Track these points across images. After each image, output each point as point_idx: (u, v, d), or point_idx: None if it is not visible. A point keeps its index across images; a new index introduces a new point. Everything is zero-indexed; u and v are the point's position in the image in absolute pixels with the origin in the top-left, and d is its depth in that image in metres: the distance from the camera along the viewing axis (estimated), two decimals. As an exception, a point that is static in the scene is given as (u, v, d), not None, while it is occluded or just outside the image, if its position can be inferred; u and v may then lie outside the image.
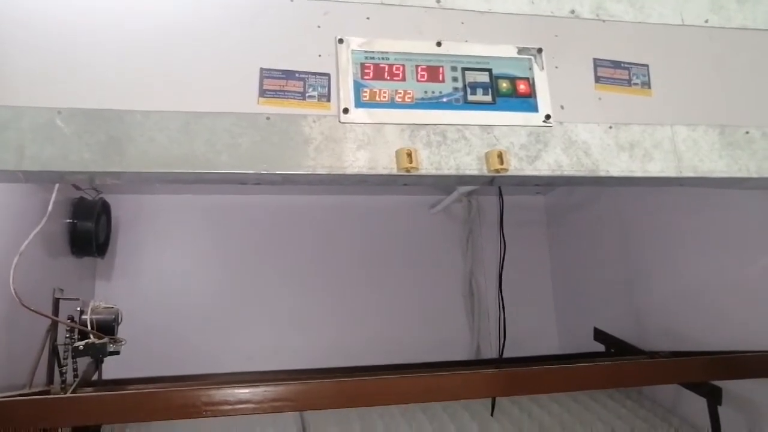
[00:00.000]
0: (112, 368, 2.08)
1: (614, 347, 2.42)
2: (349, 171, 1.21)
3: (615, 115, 1.35)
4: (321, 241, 3.19)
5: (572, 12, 1.41)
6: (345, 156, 1.21)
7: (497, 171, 1.24)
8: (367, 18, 1.31)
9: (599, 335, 2.49)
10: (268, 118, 1.20)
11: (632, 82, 1.38)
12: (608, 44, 1.40)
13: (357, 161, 1.21)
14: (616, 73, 1.38)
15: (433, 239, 3.31)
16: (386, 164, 1.22)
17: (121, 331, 1.94)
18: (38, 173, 1.12)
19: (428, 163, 1.24)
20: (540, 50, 1.35)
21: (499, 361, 2.36)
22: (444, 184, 1.83)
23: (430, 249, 3.28)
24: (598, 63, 1.38)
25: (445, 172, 1.24)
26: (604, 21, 1.42)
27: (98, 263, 3.00)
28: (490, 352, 3.05)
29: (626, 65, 1.39)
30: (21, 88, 1.13)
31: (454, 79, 1.30)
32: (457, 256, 3.31)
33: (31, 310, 1.72)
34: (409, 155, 1.21)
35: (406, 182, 1.28)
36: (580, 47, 1.38)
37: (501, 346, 2.24)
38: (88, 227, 2.70)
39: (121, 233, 3.08)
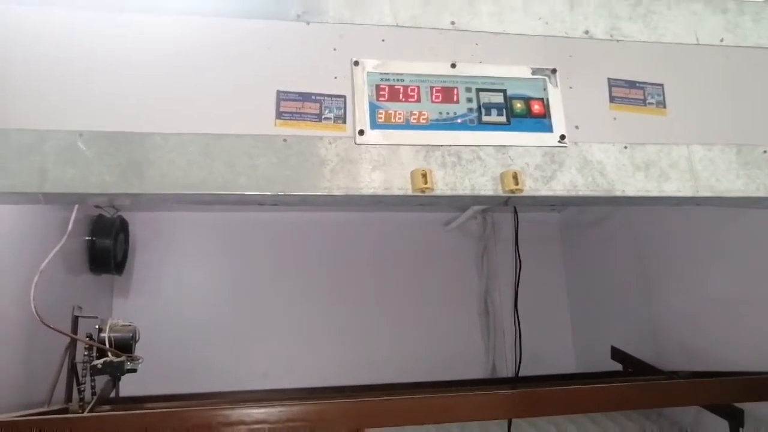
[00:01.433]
0: (129, 385, 2.10)
1: (632, 366, 2.39)
2: (365, 192, 1.22)
3: (630, 134, 1.34)
4: (336, 257, 3.21)
5: (586, 32, 1.41)
6: (360, 177, 1.22)
7: (512, 191, 1.24)
8: (382, 40, 1.33)
9: (617, 354, 2.46)
10: (285, 140, 1.22)
11: (647, 101, 1.38)
12: (622, 64, 1.40)
13: (372, 182, 1.22)
14: (631, 93, 1.38)
15: (448, 256, 3.30)
16: (401, 185, 1.23)
17: (139, 348, 1.96)
18: (59, 195, 1.15)
19: (443, 184, 1.24)
20: (554, 71, 1.36)
21: (515, 380, 2.35)
22: (459, 204, 1.83)
23: (445, 266, 3.27)
24: (612, 83, 1.38)
25: (460, 192, 1.24)
26: (618, 41, 1.42)
27: (116, 280, 3.04)
28: (506, 371, 3.03)
29: (641, 85, 1.39)
30: (44, 112, 1.16)
31: (469, 100, 1.31)
32: (472, 273, 3.30)
33: (51, 327, 1.74)
34: (424, 176, 1.22)
35: (421, 203, 1.29)
36: (594, 67, 1.38)
37: (517, 365, 2.22)
38: (106, 245, 2.74)
39: (138, 250, 3.11)
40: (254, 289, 3.13)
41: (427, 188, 1.21)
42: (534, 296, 3.09)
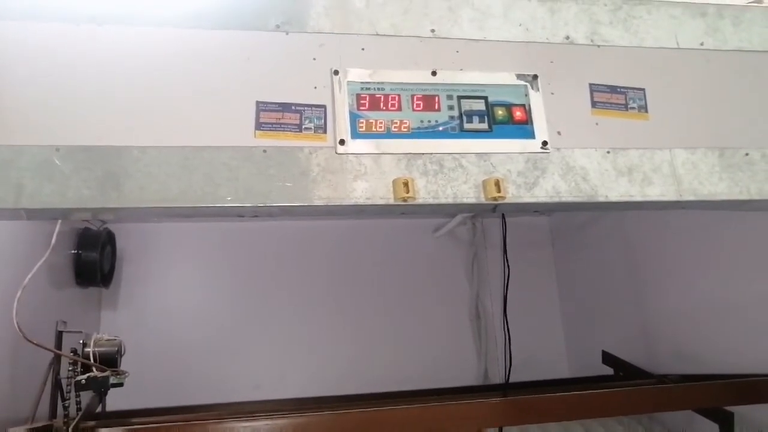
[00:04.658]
0: (117, 399, 2.06)
1: (623, 371, 2.39)
2: (347, 202, 1.21)
3: (612, 139, 1.34)
4: (325, 265, 3.19)
5: (567, 38, 1.41)
6: (342, 187, 1.21)
7: (495, 199, 1.23)
8: (362, 49, 1.32)
9: (608, 358, 2.45)
10: (264, 151, 1.21)
11: (629, 106, 1.38)
12: (604, 69, 1.40)
13: (354, 192, 1.21)
14: (613, 98, 1.38)
15: (438, 262, 3.29)
16: (383, 194, 1.22)
17: (127, 360, 1.93)
18: (38, 211, 1.13)
19: (425, 192, 1.23)
20: (535, 77, 1.36)
21: (506, 387, 2.34)
22: (442, 212, 1.82)
23: (435, 272, 3.26)
24: (594, 88, 1.38)
25: (443, 201, 1.23)
26: (599, 46, 1.42)
27: (103, 293, 3.01)
28: (499, 376, 3.02)
29: (622, 90, 1.39)
30: (18, 127, 1.14)
31: (450, 108, 1.31)
32: (462, 278, 3.29)
33: (34, 343, 1.72)
34: (406, 185, 1.21)
35: (404, 212, 1.28)
36: (575, 73, 1.38)
37: (507, 372, 2.22)
38: (92, 257, 2.71)
39: (126, 262, 3.09)
40: (244, 299, 3.11)
41: (409, 197, 1.21)
42: (525, 301, 3.09)
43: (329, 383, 2.83)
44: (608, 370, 2.49)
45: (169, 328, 3.01)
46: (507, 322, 2.31)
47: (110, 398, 2.09)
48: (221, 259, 3.17)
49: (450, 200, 1.24)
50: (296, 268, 3.17)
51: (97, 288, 2.85)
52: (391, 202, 1.21)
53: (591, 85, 1.38)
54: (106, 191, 1.13)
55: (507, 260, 2.34)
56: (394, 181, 1.22)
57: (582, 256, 3.16)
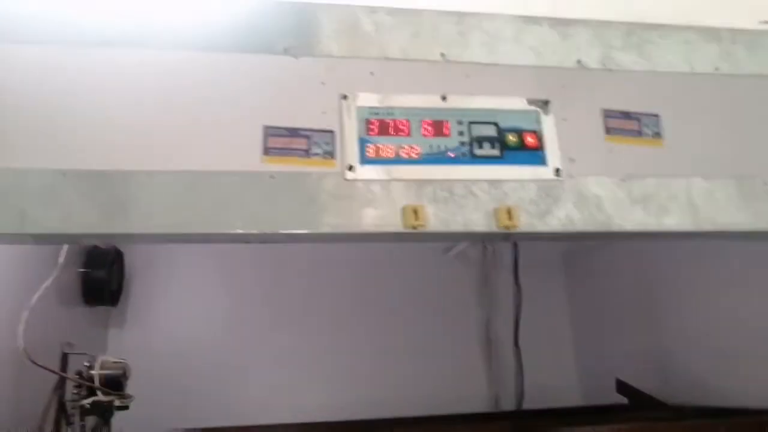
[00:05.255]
0: (122, 419, 2.03)
1: (637, 400, 2.33)
2: (355, 230, 1.18)
3: (627, 167, 1.31)
4: (334, 287, 3.15)
5: (579, 62, 1.39)
6: (350, 214, 1.19)
7: (506, 227, 1.20)
8: (371, 73, 1.31)
9: (622, 387, 2.39)
10: (272, 177, 1.19)
11: (643, 132, 1.35)
12: (617, 94, 1.37)
13: (362, 219, 1.19)
14: (626, 124, 1.35)
15: (448, 284, 3.24)
16: (392, 221, 1.20)
17: (134, 380, 1.90)
18: (42, 236, 1.12)
19: (435, 220, 1.21)
20: (547, 102, 1.33)
21: (519, 415, 2.29)
22: (452, 239, 1.79)
23: (445, 294, 3.21)
24: (607, 114, 1.35)
25: (453, 229, 1.21)
26: (611, 70, 1.40)
27: (111, 312, 2.99)
28: (509, 403, 2.95)
29: (636, 115, 1.36)
30: (24, 150, 1.13)
31: (460, 133, 1.29)
32: (473, 301, 3.23)
33: (39, 365, 1.70)
34: (416, 212, 1.19)
35: (414, 239, 1.25)
36: (588, 98, 1.36)
37: (519, 399, 2.17)
38: (101, 276, 2.69)
39: (134, 281, 3.07)
40: (253, 319, 3.07)
41: (419, 225, 1.18)
42: (536, 324, 3.03)
43: (337, 406, 2.77)
44: (622, 399, 2.42)
45: (178, 348, 2.97)
46: (519, 350, 2.26)
47: (116, 419, 2.06)
48: (230, 278, 3.14)
49: (460, 228, 1.21)
50: (306, 289, 3.13)
51: (104, 306, 2.84)
52: (401, 229, 1.19)
53: (604, 110, 1.35)
54: (112, 217, 1.11)
55: (519, 284, 2.29)
56: (403, 209, 1.20)
57: (594, 279, 3.10)
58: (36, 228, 1.09)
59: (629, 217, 1.27)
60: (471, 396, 3.00)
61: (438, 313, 3.15)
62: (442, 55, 1.34)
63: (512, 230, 1.21)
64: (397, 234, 1.20)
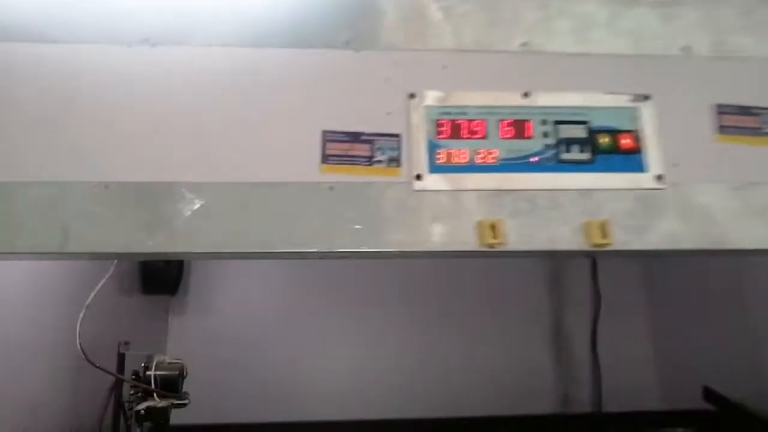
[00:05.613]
0: (184, 414, 2.00)
1: (727, 410, 2.11)
2: (423, 248, 1.05)
3: (743, 172, 1.11)
4: (398, 279, 3.01)
5: (685, 49, 1.19)
6: (418, 230, 1.05)
7: (598, 246, 1.04)
8: (443, 67, 1.15)
9: (710, 395, 2.18)
10: (331, 188, 1.06)
11: (763, 130, 1.14)
12: (731, 86, 1.16)
13: (431, 236, 1.05)
14: (743, 121, 1.14)
15: (517, 279, 3.05)
16: (466, 238, 1.05)
17: (195, 372, 1.85)
18: (82, 255, 1.03)
19: (515, 237, 1.05)
20: (647, 97, 1.14)
21: (598, 417, 2.12)
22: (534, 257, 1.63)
23: (514, 290, 3.02)
24: (719, 109, 1.15)
25: (536, 247, 1.05)
26: (725, 58, 1.19)
27: (171, 301, 2.98)
28: (580, 403, 2.77)
29: (756, 110, 1.15)
30: (65, 161, 1.04)
31: (545, 135, 1.12)
32: (543, 297, 3.03)
33: (96, 366, 1.66)
34: (493, 228, 1.04)
35: (490, 257, 1.10)
36: (696, 91, 1.16)
37: (598, 401, 2.00)
38: (160, 265, 2.67)
39: (194, 269, 3.04)
40: (316, 309, 2.96)
41: (496, 243, 1.03)
42: (611, 322, 2.81)
43: (398, 402, 2.69)
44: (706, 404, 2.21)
45: (240, 336, 2.92)
46: (596, 344, 2.07)
47: (178, 412, 2.03)
48: (293, 265, 3.03)
49: (545, 246, 1.05)
50: (367, 279, 3.00)
51: (164, 296, 2.82)
52: (476, 248, 1.04)
53: (715, 105, 1.15)
54: (155, 235, 1.02)
55: (597, 284, 2.10)
56: (478, 223, 1.05)
57: (679, 280, 2.83)
58: (78, 246, 1.01)
59: (747, 231, 1.08)
60: (539, 393, 2.83)
61: (506, 309, 2.97)
62: (524, 44, 1.17)
63: (606, 248, 1.04)
64: (471, 252, 1.05)
